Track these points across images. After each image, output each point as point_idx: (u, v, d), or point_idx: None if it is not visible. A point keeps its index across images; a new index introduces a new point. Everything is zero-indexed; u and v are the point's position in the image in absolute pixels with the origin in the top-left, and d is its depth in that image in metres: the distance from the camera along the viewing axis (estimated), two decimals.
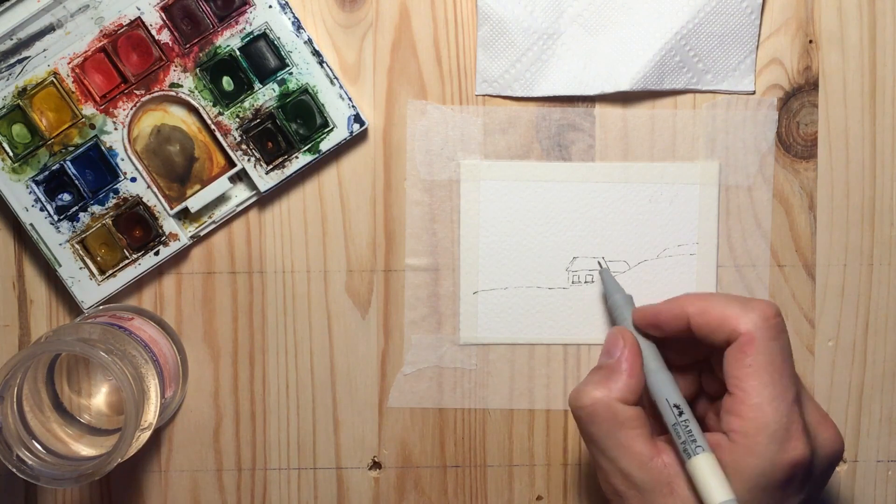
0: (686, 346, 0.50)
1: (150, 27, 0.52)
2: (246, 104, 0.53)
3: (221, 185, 0.53)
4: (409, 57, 0.54)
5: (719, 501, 0.44)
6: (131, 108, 0.53)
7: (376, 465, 0.55)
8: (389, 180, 0.54)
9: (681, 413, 0.47)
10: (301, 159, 0.53)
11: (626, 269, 0.54)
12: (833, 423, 0.48)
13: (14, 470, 0.48)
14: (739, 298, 0.48)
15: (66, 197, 0.53)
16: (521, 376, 0.55)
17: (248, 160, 0.53)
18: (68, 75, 0.52)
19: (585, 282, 0.54)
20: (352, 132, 0.53)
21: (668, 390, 0.48)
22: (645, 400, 0.49)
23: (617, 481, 0.47)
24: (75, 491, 0.55)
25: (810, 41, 0.54)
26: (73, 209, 0.53)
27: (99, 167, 0.53)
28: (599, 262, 0.54)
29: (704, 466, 0.45)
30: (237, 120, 0.53)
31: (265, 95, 0.53)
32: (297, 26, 0.52)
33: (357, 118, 0.53)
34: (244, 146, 0.53)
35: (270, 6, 0.52)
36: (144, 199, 0.53)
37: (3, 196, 0.53)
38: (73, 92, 0.52)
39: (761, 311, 0.46)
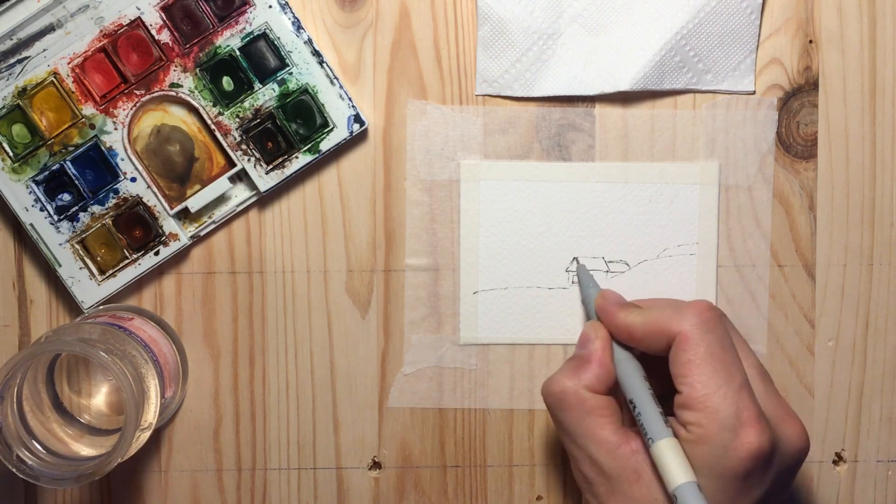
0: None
1: (150, 27, 0.52)
2: (246, 104, 0.53)
3: (221, 185, 0.53)
4: (409, 57, 0.54)
5: (680, 483, 0.44)
6: (131, 108, 0.53)
7: (376, 465, 0.55)
8: (389, 180, 0.54)
9: (634, 407, 0.47)
10: (301, 159, 0.53)
11: (626, 270, 0.54)
12: (798, 420, 0.48)
13: (14, 470, 0.48)
14: (672, 303, 0.49)
15: (66, 197, 0.53)
16: (521, 376, 0.55)
17: (248, 160, 0.53)
18: (68, 75, 0.52)
19: None
20: (352, 132, 0.53)
21: (628, 383, 0.48)
22: (619, 391, 0.49)
23: (586, 468, 0.48)
24: (75, 491, 0.55)
25: (810, 41, 0.54)
26: (73, 209, 0.53)
27: (99, 167, 0.53)
28: (576, 259, 0.54)
29: (666, 450, 0.45)
30: (237, 120, 0.53)
31: (265, 95, 0.53)
32: (297, 26, 0.52)
33: (357, 118, 0.53)
34: (244, 146, 0.53)
35: (270, 6, 0.52)
36: (144, 199, 0.53)
37: (3, 196, 0.53)
38: (73, 92, 0.52)
39: (693, 308, 0.47)
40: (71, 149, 0.53)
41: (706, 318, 0.47)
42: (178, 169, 0.53)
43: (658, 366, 0.49)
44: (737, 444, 0.45)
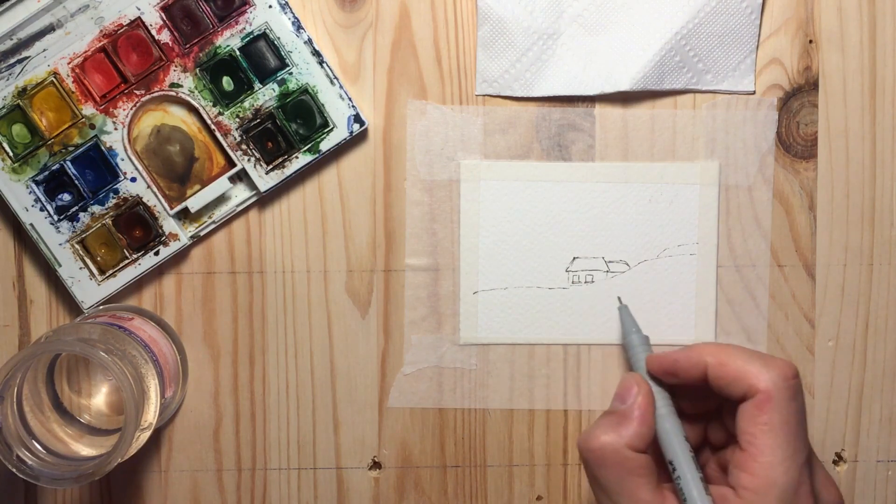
0: (697, 395, 0.50)
1: (150, 27, 0.52)
2: (246, 104, 0.53)
3: (221, 185, 0.53)
4: (409, 57, 0.54)
5: None
6: (131, 108, 0.53)
7: (376, 465, 0.55)
8: (389, 180, 0.54)
9: (674, 470, 0.47)
10: (301, 159, 0.53)
11: (626, 270, 0.54)
12: (837, 488, 0.48)
13: (14, 470, 0.48)
14: (759, 355, 0.48)
15: (66, 197, 0.53)
16: (521, 376, 0.55)
17: (248, 160, 0.53)
18: (68, 75, 0.52)
19: (585, 282, 0.54)
20: (352, 132, 0.53)
21: (670, 443, 0.48)
22: (653, 446, 0.49)
23: None
24: (75, 491, 0.55)
25: (810, 41, 0.54)
26: (73, 209, 0.53)
27: (99, 167, 0.53)
28: (619, 298, 0.54)
29: None
30: (237, 120, 0.53)
31: (265, 95, 0.53)
32: (297, 26, 0.52)
33: (357, 118, 0.53)
34: (244, 146, 0.53)
35: (270, 6, 0.52)
36: (144, 199, 0.53)
37: (3, 196, 0.53)
38: (73, 92, 0.52)
39: (781, 370, 0.46)
40: (71, 149, 0.53)
41: (791, 384, 0.46)
42: (178, 169, 0.53)
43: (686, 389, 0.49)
44: None
